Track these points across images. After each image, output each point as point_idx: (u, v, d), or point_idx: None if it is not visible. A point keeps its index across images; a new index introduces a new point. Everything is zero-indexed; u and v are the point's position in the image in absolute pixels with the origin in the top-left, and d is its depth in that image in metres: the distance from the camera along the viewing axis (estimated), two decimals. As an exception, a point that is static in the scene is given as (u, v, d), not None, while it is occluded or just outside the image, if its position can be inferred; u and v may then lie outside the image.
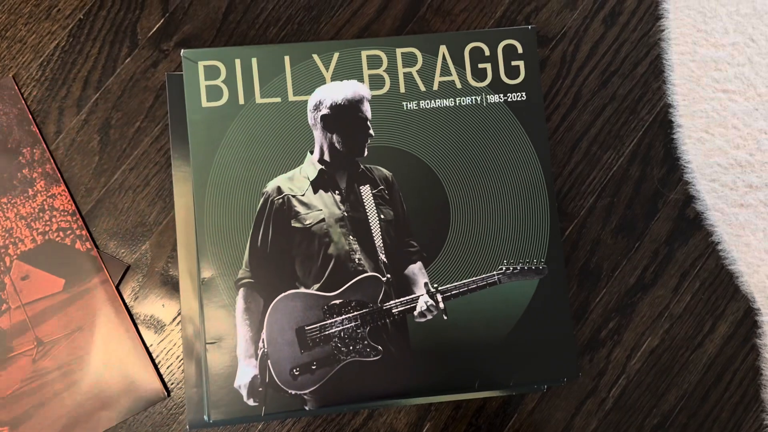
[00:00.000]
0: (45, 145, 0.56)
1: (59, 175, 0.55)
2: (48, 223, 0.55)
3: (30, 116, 0.56)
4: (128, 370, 0.54)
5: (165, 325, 0.55)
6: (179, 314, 0.54)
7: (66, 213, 0.55)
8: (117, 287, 0.55)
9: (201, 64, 0.53)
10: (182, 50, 0.53)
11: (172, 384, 0.54)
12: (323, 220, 0.52)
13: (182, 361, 0.54)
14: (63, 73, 0.57)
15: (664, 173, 0.60)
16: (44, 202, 0.55)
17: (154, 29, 0.58)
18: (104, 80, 0.57)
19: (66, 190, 0.55)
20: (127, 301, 0.55)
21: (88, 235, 0.55)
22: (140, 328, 0.55)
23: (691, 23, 0.62)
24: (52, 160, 0.56)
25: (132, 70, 0.57)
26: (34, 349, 0.53)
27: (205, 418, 0.50)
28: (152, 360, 0.54)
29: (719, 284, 0.59)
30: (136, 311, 0.55)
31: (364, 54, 0.54)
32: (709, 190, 0.60)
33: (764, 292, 0.59)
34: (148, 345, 0.55)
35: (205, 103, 0.52)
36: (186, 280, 0.53)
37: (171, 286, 0.55)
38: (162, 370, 0.54)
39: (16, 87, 0.56)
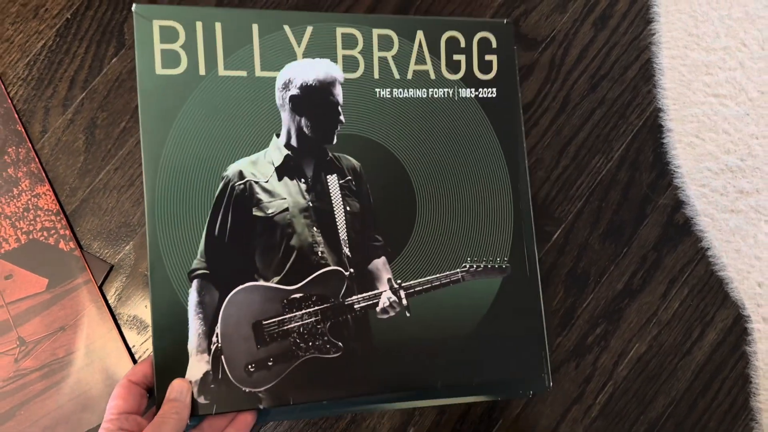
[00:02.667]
0: (30, 145, 0.56)
1: (44, 174, 0.55)
2: (32, 222, 0.55)
3: (16, 115, 0.56)
4: (110, 371, 0.54)
5: (148, 326, 0.55)
6: (162, 315, 0.54)
7: (50, 212, 0.55)
8: (100, 287, 0.54)
9: (156, 24, 0.47)
10: (134, 5, 0.48)
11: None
12: (287, 209, 0.49)
13: (164, 363, 0.54)
14: (49, 72, 0.57)
15: (654, 178, 0.59)
16: (29, 202, 0.55)
17: (141, 29, 0.58)
18: (90, 80, 0.57)
19: (51, 189, 0.55)
20: (110, 302, 0.55)
21: (71, 234, 0.55)
22: (123, 328, 0.54)
23: (682, 27, 0.61)
24: (37, 160, 0.55)
25: (118, 70, 0.57)
26: (16, 348, 0.53)
27: None
28: (134, 361, 0.54)
29: (708, 291, 0.59)
30: (119, 312, 0.55)
31: (339, 31, 0.51)
32: (698, 195, 0.60)
33: (754, 299, 0.59)
34: (130, 346, 0.54)
35: (159, 70, 0.47)
36: (169, 281, 0.53)
37: (154, 287, 0.55)
38: (144, 372, 0.54)
39: (3, 86, 0.56)
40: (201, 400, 0.47)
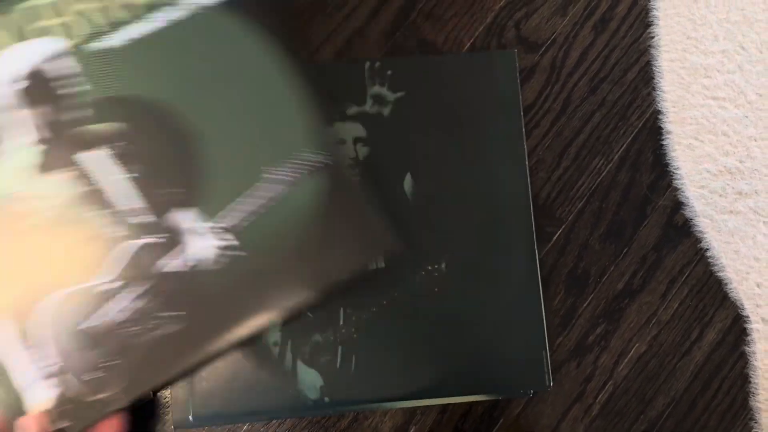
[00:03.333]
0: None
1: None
2: None
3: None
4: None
5: None
6: (166, 314, 0.55)
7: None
8: (105, 287, 0.55)
9: None
10: None
11: (158, 384, 0.54)
12: (61, 205, 0.43)
13: (168, 361, 0.54)
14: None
15: (653, 179, 0.60)
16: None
17: (147, 31, 0.58)
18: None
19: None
20: (114, 301, 0.55)
21: (77, 234, 0.55)
22: (127, 327, 0.55)
23: (681, 30, 0.62)
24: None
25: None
26: (21, 347, 0.54)
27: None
28: None
29: (708, 291, 0.59)
30: (124, 311, 0.55)
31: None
32: (698, 196, 0.60)
33: (753, 300, 0.59)
34: None
35: None
36: (173, 280, 0.53)
37: (158, 286, 0.55)
38: (148, 370, 0.55)
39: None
40: (65, 422, 0.43)
